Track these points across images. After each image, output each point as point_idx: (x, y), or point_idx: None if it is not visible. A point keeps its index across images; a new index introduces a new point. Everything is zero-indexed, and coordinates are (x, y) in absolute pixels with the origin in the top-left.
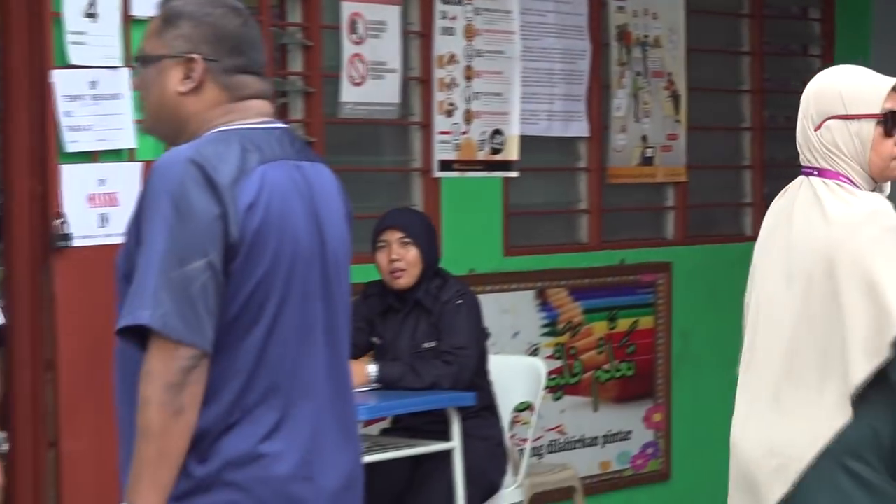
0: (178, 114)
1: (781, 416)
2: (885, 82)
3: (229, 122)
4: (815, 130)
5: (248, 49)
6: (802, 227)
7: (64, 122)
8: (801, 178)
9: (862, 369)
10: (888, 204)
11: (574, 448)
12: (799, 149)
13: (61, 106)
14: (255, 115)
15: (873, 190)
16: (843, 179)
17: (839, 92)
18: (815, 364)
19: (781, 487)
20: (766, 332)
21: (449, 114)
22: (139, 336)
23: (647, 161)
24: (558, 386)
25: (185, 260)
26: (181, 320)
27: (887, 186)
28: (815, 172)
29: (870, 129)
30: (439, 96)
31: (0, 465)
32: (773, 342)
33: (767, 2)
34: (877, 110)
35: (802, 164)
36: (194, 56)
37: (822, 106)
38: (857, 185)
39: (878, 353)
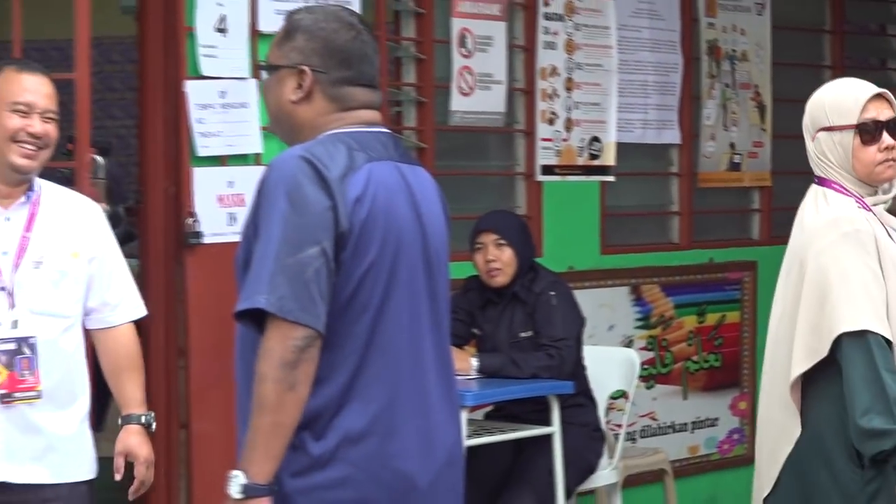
0: (292, 120)
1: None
2: (865, 92)
3: (338, 128)
4: (812, 142)
5: (357, 62)
6: (793, 232)
7: (196, 128)
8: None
9: (799, 366)
10: (854, 211)
11: (665, 433)
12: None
13: (193, 114)
14: (362, 124)
15: (875, 193)
16: (836, 187)
17: (824, 105)
18: (786, 359)
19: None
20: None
21: (550, 122)
22: (256, 319)
23: (734, 167)
24: (651, 375)
25: (299, 248)
26: (296, 303)
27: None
28: (817, 181)
29: (849, 138)
30: (542, 106)
31: (144, 439)
32: (769, 337)
33: (848, 18)
34: (854, 120)
35: None
36: (304, 67)
37: (813, 119)
38: (847, 192)
39: (817, 351)
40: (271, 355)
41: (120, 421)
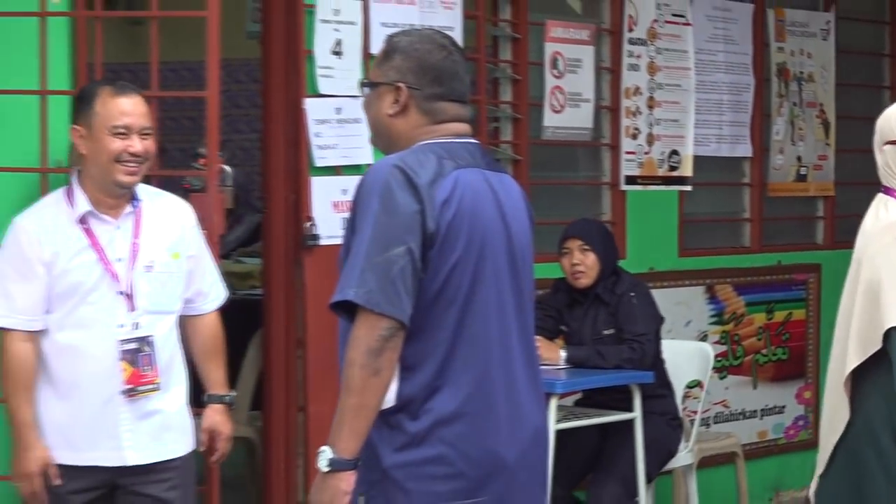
0: (389, 132)
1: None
2: None
3: (430, 139)
4: (879, 154)
5: (448, 80)
6: (857, 237)
7: (314, 141)
8: None
9: (853, 359)
10: None
11: (736, 419)
12: None
13: (312, 129)
14: (452, 135)
15: None
16: None
17: (890, 120)
18: (843, 353)
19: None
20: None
21: (634, 137)
22: (349, 310)
23: (801, 178)
24: (723, 367)
25: (387, 247)
26: (382, 296)
27: None
28: (882, 189)
29: None
30: (625, 122)
31: (226, 417)
32: (835, 333)
33: None
34: None
35: None
36: (400, 84)
37: (881, 133)
38: None
39: (869, 345)
40: (358, 343)
41: (205, 399)
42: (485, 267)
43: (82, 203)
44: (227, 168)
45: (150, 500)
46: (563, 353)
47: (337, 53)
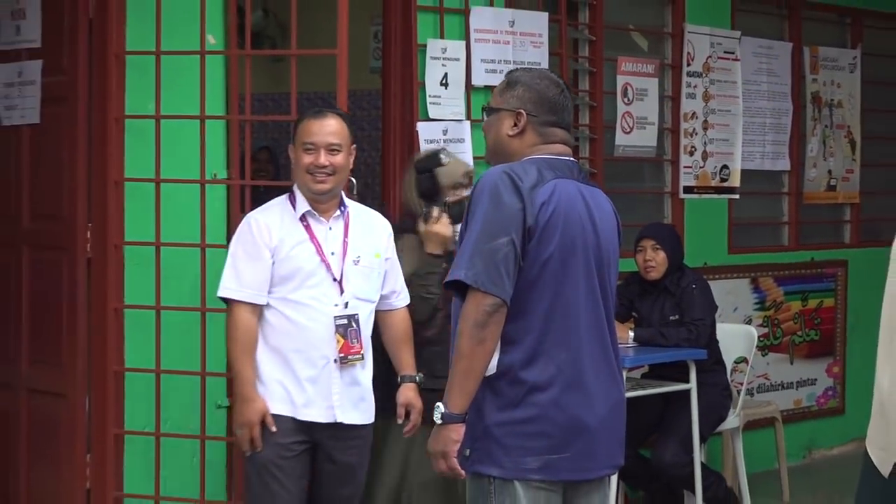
0: (507, 150)
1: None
2: None
3: (535, 155)
4: None
5: (559, 111)
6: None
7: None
8: None
9: None
10: None
11: (776, 390)
12: None
13: (423, 147)
14: (555, 154)
15: None
16: None
17: None
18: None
19: None
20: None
21: (691, 154)
22: (460, 289)
23: (831, 188)
24: (765, 346)
25: (494, 237)
26: (487, 277)
27: None
28: None
29: None
30: (684, 141)
31: (417, 393)
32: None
33: None
34: None
35: None
36: (521, 111)
37: None
38: None
39: None
40: (467, 316)
41: (399, 380)
42: (576, 260)
43: (302, 204)
44: (353, 179)
45: (339, 464)
46: (631, 334)
47: (444, 85)
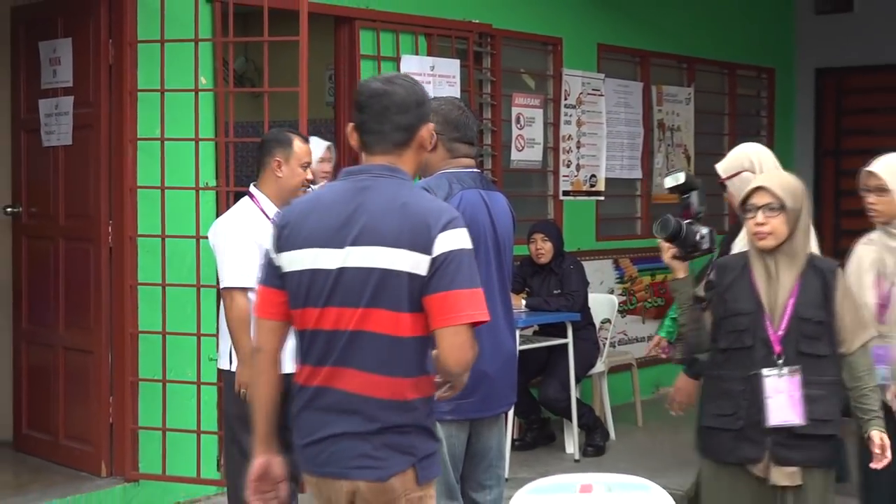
0: (427, 163)
1: None
2: None
3: (446, 169)
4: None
5: (462, 128)
6: None
7: None
8: None
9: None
10: None
11: (632, 343)
12: None
13: None
14: (462, 166)
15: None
16: None
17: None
18: None
19: None
20: None
21: (567, 166)
22: None
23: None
24: (624, 310)
25: None
26: None
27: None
28: None
29: None
30: (562, 157)
31: None
32: None
33: (740, 107)
34: None
35: None
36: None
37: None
38: None
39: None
40: None
41: None
42: (482, 251)
43: (269, 206)
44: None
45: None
46: (523, 302)
47: None
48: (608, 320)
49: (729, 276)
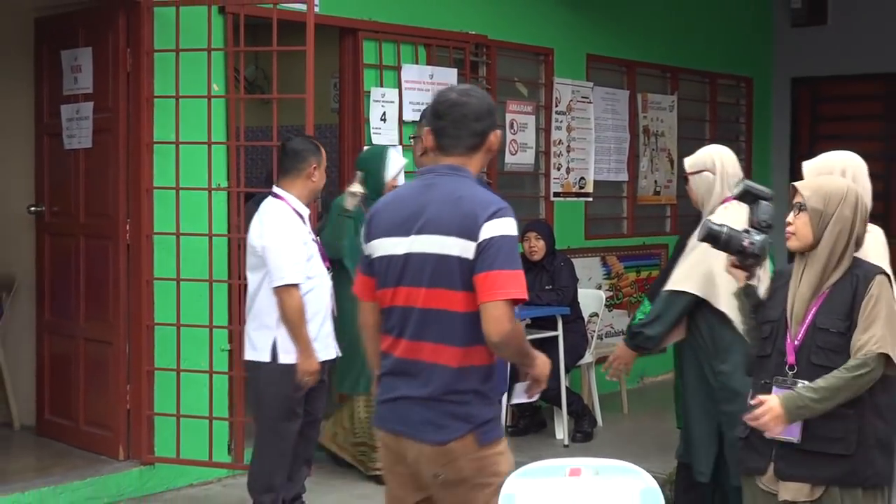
0: (421, 167)
1: None
2: None
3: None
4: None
5: None
6: None
7: None
8: None
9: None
10: None
11: (618, 335)
12: None
13: None
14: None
15: None
16: None
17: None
18: None
19: None
20: None
21: (558, 169)
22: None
23: (656, 193)
24: (611, 305)
25: None
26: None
27: None
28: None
29: None
30: (554, 160)
31: None
32: None
33: (720, 116)
34: None
35: None
36: (425, 136)
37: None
38: None
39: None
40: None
41: None
42: None
43: (299, 204)
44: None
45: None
46: None
47: (383, 120)
48: (596, 314)
49: (777, 283)
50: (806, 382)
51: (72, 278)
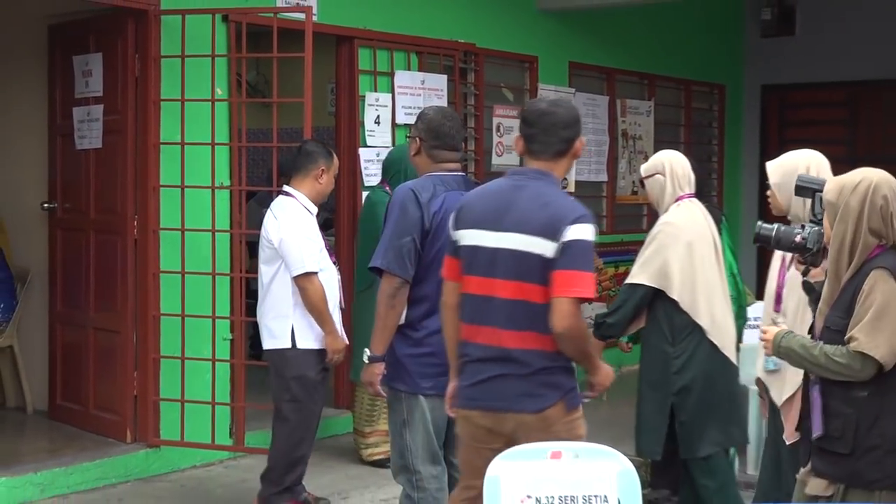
0: (415, 166)
1: None
2: None
3: (433, 172)
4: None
5: (444, 136)
6: None
7: (364, 172)
8: None
9: None
10: None
11: None
12: None
13: (363, 165)
14: (447, 170)
15: None
16: None
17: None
18: None
19: None
20: None
21: None
22: (379, 272)
23: (634, 193)
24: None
25: (401, 236)
26: (396, 264)
27: None
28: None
29: None
30: None
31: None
32: None
33: (693, 120)
34: None
35: None
36: (417, 138)
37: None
38: None
39: None
40: (382, 290)
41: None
42: None
43: (308, 203)
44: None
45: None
46: None
47: (377, 123)
48: None
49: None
50: (822, 344)
51: (82, 271)
